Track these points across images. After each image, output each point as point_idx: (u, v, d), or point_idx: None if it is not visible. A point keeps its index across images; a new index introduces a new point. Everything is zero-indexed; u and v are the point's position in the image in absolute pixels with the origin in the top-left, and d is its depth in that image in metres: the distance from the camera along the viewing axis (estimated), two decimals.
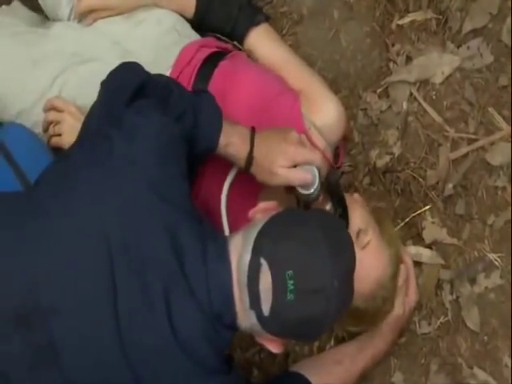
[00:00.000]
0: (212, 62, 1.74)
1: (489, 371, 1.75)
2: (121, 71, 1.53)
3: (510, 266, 1.78)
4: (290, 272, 1.31)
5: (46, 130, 1.73)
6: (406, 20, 1.97)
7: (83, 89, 1.71)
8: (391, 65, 1.96)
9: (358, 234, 1.63)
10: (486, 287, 1.78)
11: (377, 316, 1.71)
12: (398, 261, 1.70)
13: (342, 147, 1.81)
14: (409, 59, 1.95)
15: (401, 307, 1.73)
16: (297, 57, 1.81)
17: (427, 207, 1.85)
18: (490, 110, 1.86)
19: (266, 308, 1.33)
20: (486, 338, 1.77)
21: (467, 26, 1.91)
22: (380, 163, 1.92)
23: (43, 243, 1.37)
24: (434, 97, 1.92)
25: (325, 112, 1.70)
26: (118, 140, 1.41)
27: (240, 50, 1.82)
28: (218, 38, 1.82)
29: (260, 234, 1.36)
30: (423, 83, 1.93)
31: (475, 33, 1.90)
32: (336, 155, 1.78)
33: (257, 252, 1.34)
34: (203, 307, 1.36)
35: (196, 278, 1.36)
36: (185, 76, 1.71)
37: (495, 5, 1.89)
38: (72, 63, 1.73)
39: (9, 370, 1.35)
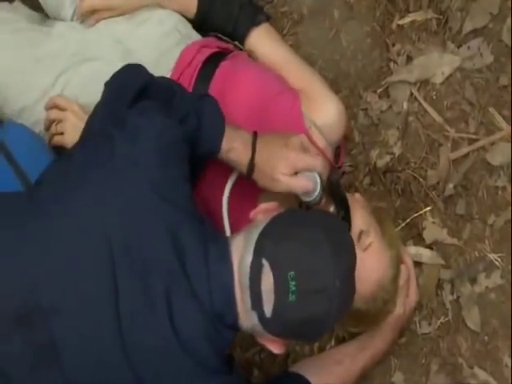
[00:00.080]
0: (213, 62, 1.74)
1: (489, 371, 1.75)
2: (124, 72, 1.53)
3: (510, 266, 1.78)
4: (291, 273, 1.31)
5: (47, 128, 1.73)
6: (407, 20, 1.97)
7: (86, 87, 1.71)
8: (392, 65, 1.97)
9: (359, 235, 1.63)
10: (487, 287, 1.78)
11: (377, 317, 1.71)
12: (398, 262, 1.70)
13: (342, 147, 1.81)
14: (409, 59, 1.95)
15: (401, 307, 1.73)
16: (297, 56, 1.81)
17: (428, 208, 1.85)
18: (491, 109, 1.86)
19: (267, 309, 1.33)
20: (486, 337, 1.77)
21: (467, 26, 1.91)
22: (380, 163, 1.92)
23: (44, 243, 1.37)
24: (434, 97, 1.92)
25: (325, 111, 1.70)
26: (120, 141, 1.41)
27: (241, 49, 1.82)
28: (219, 38, 1.82)
29: (261, 234, 1.36)
30: (423, 83, 1.93)
31: (475, 33, 1.90)
32: (336, 155, 1.78)
33: (258, 253, 1.34)
34: (205, 308, 1.36)
35: (198, 280, 1.36)
36: (186, 77, 1.71)
37: (496, 5, 1.89)
38: (74, 62, 1.73)
39: (10, 370, 1.35)
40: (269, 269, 1.33)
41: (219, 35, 1.82)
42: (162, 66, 1.69)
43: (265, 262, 1.33)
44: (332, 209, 1.61)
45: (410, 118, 1.92)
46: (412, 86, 1.93)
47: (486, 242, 1.81)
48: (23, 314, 1.34)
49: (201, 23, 1.81)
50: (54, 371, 1.36)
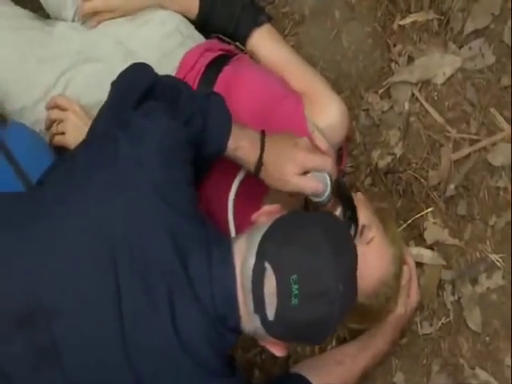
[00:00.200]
0: (216, 66, 1.73)
1: (490, 372, 1.75)
2: (131, 72, 1.52)
3: (511, 267, 1.78)
4: (294, 276, 1.31)
5: (48, 127, 1.73)
6: (408, 20, 1.97)
7: (87, 88, 1.71)
8: (393, 65, 1.97)
9: (361, 230, 1.63)
10: (488, 288, 1.78)
11: (379, 314, 1.71)
12: (401, 260, 1.70)
13: (344, 148, 1.81)
14: (410, 60, 1.95)
15: (402, 307, 1.73)
16: (299, 57, 1.80)
17: (429, 209, 1.85)
18: (492, 110, 1.86)
19: (270, 312, 1.33)
20: (487, 338, 1.77)
21: (469, 27, 1.91)
22: (382, 164, 1.92)
23: (47, 244, 1.37)
24: (435, 97, 1.92)
25: (328, 113, 1.69)
26: (124, 142, 1.41)
27: (242, 50, 1.81)
28: (221, 39, 1.82)
29: (264, 237, 1.36)
30: (425, 84, 1.93)
31: (477, 33, 1.90)
32: (339, 156, 1.77)
33: (261, 256, 1.34)
34: (207, 311, 1.36)
35: (200, 282, 1.36)
36: (188, 81, 1.69)
37: (497, 5, 1.89)
38: (78, 60, 1.73)
39: (11, 371, 1.35)
40: (271, 272, 1.32)
41: (221, 36, 1.81)
42: (164, 68, 1.68)
43: (267, 265, 1.33)
44: (339, 209, 1.60)
45: (412, 119, 1.93)
46: (413, 86, 1.93)
47: (487, 242, 1.81)
48: (26, 315, 1.34)
49: (202, 24, 1.80)
50: (54, 371, 1.36)
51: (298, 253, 1.33)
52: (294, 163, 1.51)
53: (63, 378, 1.36)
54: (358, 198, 1.70)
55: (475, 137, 1.87)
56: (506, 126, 1.85)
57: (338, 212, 1.60)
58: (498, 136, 1.85)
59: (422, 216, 1.85)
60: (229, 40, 1.81)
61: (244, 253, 1.36)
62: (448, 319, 1.80)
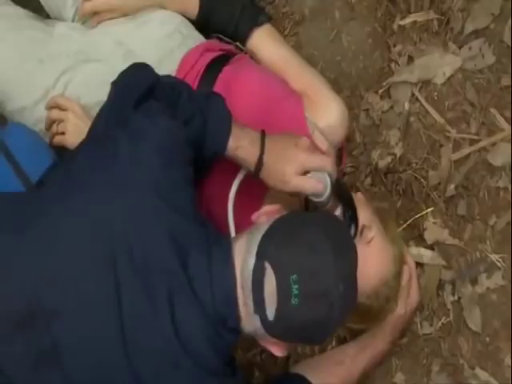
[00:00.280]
0: (216, 66, 1.73)
1: (490, 372, 1.75)
2: (131, 72, 1.52)
3: (511, 267, 1.77)
4: (294, 276, 1.31)
5: (48, 127, 1.73)
6: (408, 20, 1.97)
7: (88, 88, 1.72)
8: (393, 65, 1.96)
9: (361, 230, 1.63)
10: (488, 288, 1.78)
11: (379, 314, 1.71)
12: (401, 260, 1.70)
13: (344, 148, 1.81)
14: (410, 60, 1.95)
15: (402, 307, 1.73)
16: (299, 57, 1.81)
17: (429, 209, 1.85)
18: (492, 110, 1.86)
19: (270, 312, 1.33)
20: (487, 338, 1.76)
21: (469, 27, 1.91)
22: (382, 164, 1.92)
23: (47, 244, 1.37)
24: (435, 97, 1.92)
25: (328, 113, 1.69)
26: (124, 142, 1.41)
27: (242, 50, 1.81)
28: (221, 39, 1.82)
29: (264, 237, 1.36)
30: (425, 84, 1.93)
31: (477, 33, 1.90)
32: (338, 156, 1.77)
33: (261, 256, 1.34)
34: (207, 311, 1.36)
35: (200, 283, 1.36)
36: (188, 81, 1.69)
37: (497, 5, 1.89)
38: (78, 60, 1.73)
39: (11, 371, 1.35)
40: (271, 272, 1.32)
41: (221, 36, 1.81)
42: (164, 68, 1.68)
43: (267, 265, 1.33)
44: (339, 209, 1.60)
45: (412, 119, 1.92)
46: (413, 86, 1.93)
47: (488, 242, 1.80)
48: (26, 315, 1.34)
49: (202, 24, 1.81)
50: (55, 372, 1.36)
51: (298, 253, 1.33)
52: (294, 163, 1.51)
53: (63, 378, 1.36)
54: (358, 198, 1.70)
55: (475, 137, 1.86)
56: (506, 126, 1.84)
57: (338, 212, 1.60)
58: (497, 136, 1.85)
59: (422, 216, 1.85)
60: (229, 40, 1.82)
61: (244, 253, 1.36)
62: (448, 319, 1.80)
